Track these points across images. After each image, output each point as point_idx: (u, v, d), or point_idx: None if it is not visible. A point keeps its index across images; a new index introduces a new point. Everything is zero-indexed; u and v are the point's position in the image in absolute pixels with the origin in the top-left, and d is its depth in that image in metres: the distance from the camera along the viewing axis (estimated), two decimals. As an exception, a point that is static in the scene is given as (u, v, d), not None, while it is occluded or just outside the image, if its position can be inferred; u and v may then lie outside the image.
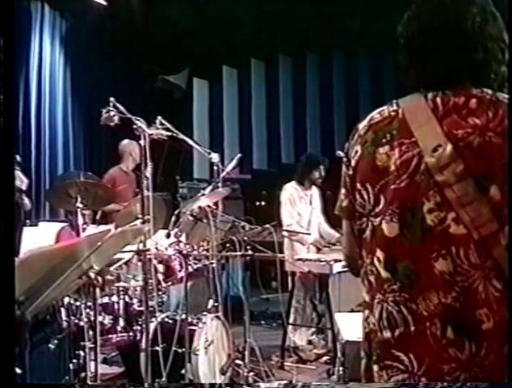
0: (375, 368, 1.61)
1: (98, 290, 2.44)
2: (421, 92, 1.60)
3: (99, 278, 2.28)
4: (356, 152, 1.67)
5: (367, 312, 1.65)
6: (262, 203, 10.07)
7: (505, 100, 1.52)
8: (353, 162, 1.68)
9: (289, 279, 5.82)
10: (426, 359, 1.49)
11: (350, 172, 1.69)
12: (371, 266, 1.61)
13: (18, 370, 2.05)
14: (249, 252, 4.69)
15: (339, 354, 2.95)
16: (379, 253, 1.58)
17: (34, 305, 1.82)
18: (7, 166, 1.86)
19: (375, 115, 1.67)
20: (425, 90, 1.59)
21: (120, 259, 4.43)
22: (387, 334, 1.56)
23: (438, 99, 1.56)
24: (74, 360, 3.41)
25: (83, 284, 2.74)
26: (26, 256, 1.84)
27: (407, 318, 1.52)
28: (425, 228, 1.49)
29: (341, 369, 2.84)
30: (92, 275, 2.22)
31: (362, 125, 1.70)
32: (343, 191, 1.74)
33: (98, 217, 6.35)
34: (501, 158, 1.43)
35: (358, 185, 1.64)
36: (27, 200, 6.09)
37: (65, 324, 3.59)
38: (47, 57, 7.93)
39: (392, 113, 1.61)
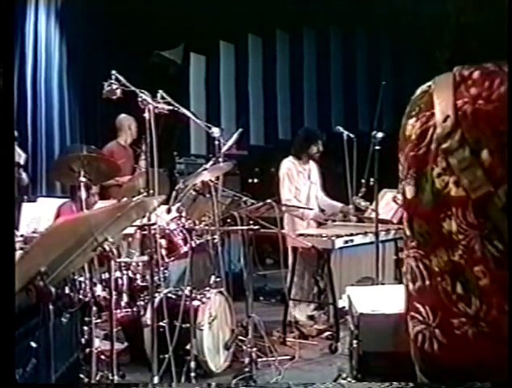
0: (408, 318, 1.75)
1: (112, 263, 2.40)
2: (455, 70, 1.68)
3: (114, 250, 2.25)
4: (401, 125, 1.81)
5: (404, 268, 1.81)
6: (259, 179, 10.04)
7: (506, 69, 1.59)
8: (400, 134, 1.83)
9: (290, 254, 5.81)
10: (439, 312, 1.62)
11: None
12: (403, 226, 1.78)
13: (33, 344, 2.01)
14: (255, 226, 4.65)
15: (352, 327, 2.93)
16: (405, 214, 1.76)
17: (52, 277, 1.78)
18: (6, 143, 1.80)
19: (418, 90, 1.78)
20: (457, 67, 1.67)
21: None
22: (410, 287, 1.71)
23: (460, 72, 1.65)
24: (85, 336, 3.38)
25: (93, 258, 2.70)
26: (59, 223, 1.79)
27: (423, 272, 1.67)
28: (434, 191, 1.63)
29: (354, 341, 2.83)
30: (107, 247, 2.18)
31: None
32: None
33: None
34: (490, 124, 1.54)
35: (399, 154, 1.79)
36: (24, 175, 6.03)
37: (76, 299, 3.54)
38: (42, 32, 7.83)
39: (426, 88, 1.73)
